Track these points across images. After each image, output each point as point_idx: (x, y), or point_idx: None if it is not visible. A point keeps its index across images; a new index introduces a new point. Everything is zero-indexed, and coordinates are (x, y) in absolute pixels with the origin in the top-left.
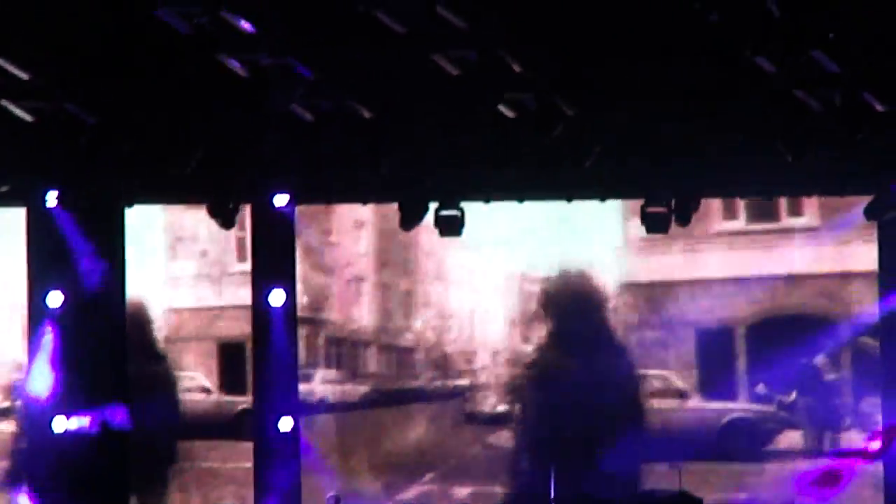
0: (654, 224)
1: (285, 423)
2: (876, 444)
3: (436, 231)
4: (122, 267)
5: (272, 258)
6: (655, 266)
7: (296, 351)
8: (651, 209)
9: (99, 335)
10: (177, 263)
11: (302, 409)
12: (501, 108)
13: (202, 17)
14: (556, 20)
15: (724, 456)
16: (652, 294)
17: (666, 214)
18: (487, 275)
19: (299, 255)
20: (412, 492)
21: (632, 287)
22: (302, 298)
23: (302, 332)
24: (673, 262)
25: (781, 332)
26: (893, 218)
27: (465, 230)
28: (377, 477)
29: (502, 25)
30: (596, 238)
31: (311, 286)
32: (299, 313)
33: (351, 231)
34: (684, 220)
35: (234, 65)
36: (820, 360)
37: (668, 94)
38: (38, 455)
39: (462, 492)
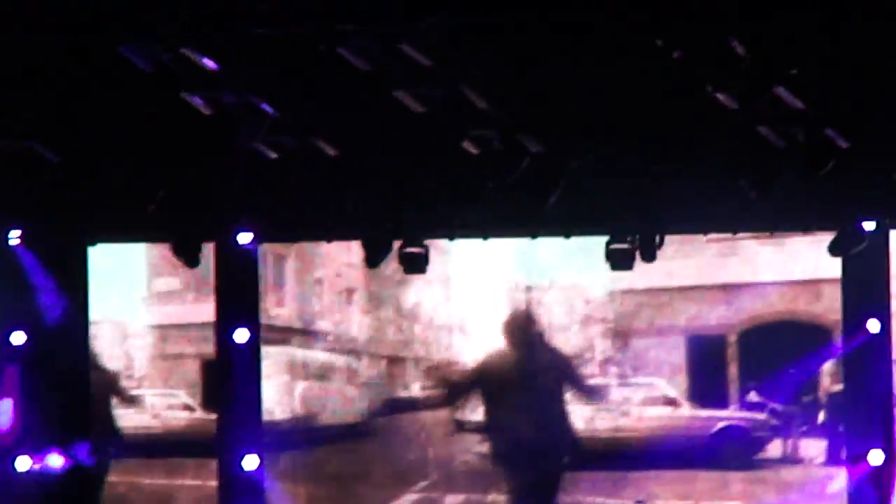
0: (619, 261)
1: (250, 462)
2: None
3: None
4: (86, 305)
5: (236, 296)
6: (646, 272)
7: (259, 388)
8: (615, 246)
9: (62, 373)
10: (161, 279)
11: (266, 446)
12: (465, 145)
13: (165, 55)
14: (520, 57)
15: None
16: (643, 301)
17: (630, 251)
18: (478, 284)
19: (290, 270)
20: (404, 501)
21: (624, 294)
22: (292, 310)
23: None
24: (665, 268)
25: (774, 339)
26: (858, 254)
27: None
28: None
29: (467, 62)
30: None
31: (302, 298)
32: (291, 325)
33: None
34: (649, 257)
35: (198, 102)
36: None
37: (632, 130)
38: (1, 496)
39: (454, 500)
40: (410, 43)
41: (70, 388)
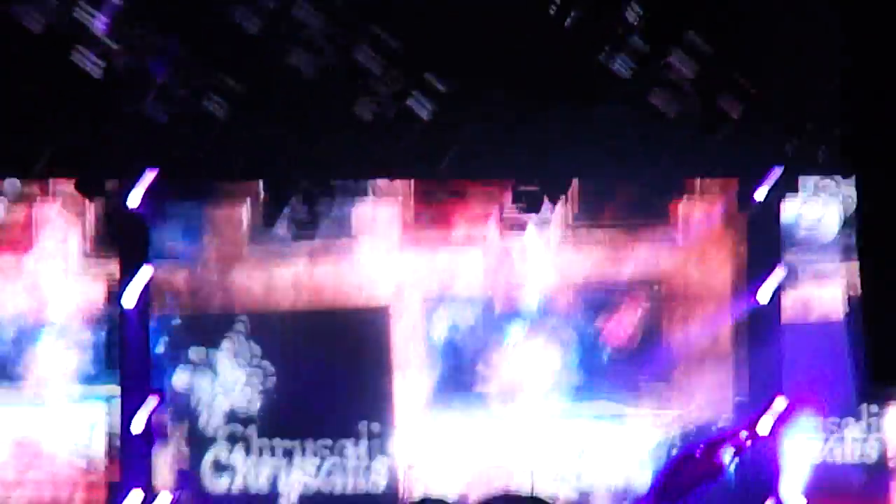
0: (527, 204)
1: (138, 424)
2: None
3: None
4: None
5: (125, 259)
6: None
7: (148, 349)
8: (523, 188)
9: None
10: None
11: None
12: (358, 110)
13: (54, 16)
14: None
15: None
16: None
17: (538, 193)
18: None
19: None
20: None
21: None
22: None
23: None
24: None
25: None
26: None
27: None
28: None
29: (363, 27)
30: None
31: None
32: None
33: None
34: (555, 199)
35: (88, 64)
36: None
37: (525, 97)
38: None
39: None
40: (304, 5)
41: None
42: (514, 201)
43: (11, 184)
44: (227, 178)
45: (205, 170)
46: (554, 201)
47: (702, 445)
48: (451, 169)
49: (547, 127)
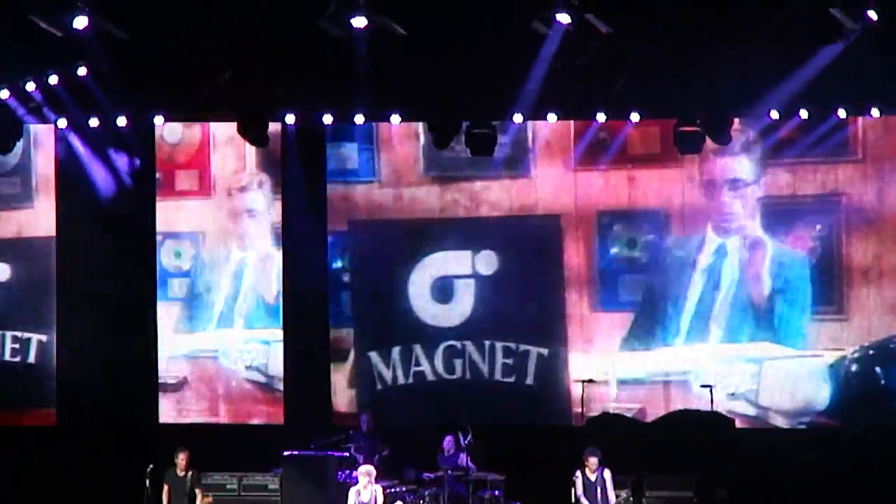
0: (687, 144)
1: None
2: None
3: None
4: (153, 180)
5: (302, 177)
6: None
7: (325, 270)
8: (683, 129)
9: (130, 249)
10: None
11: None
12: (535, 25)
13: None
14: None
15: None
16: None
17: (699, 133)
18: None
19: None
20: None
21: None
22: None
23: None
24: None
25: None
26: None
27: None
28: None
29: None
30: None
31: None
32: None
33: None
34: (722, 140)
35: None
36: None
37: (699, 14)
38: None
39: None
40: None
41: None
42: (675, 142)
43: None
44: (391, 120)
45: (370, 113)
46: (718, 141)
47: (881, 365)
48: (611, 110)
49: (706, 66)
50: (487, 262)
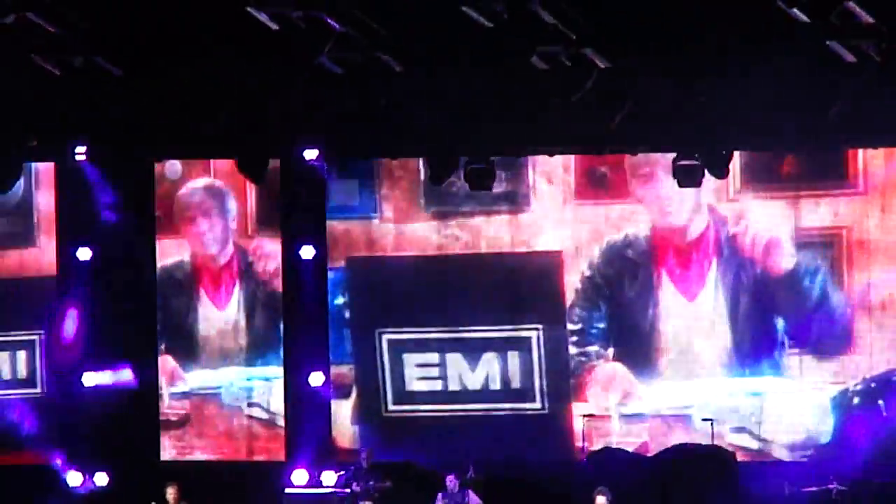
0: (686, 178)
1: (316, 378)
2: None
3: None
4: (152, 220)
5: (302, 213)
6: None
7: (325, 305)
8: (682, 163)
9: (129, 289)
10: None
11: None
12: (534, 61)
13: None
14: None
15: None
16: None
17: (698, 167)
18: None
19: None
20: None
21: None
22: None
23: None
24: None
25: None
26: None
27: None
28: None
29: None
30: None
31: None
32: None
33: None
34: (718, 173)
35: (264, 17)
36: None
37: (700, 46)
38: (68, 411)
39: None
40: None
41: (137, 301)
42: (674, 176)
43: (172, 165)
44: (389, 156)
45: (368, 149)
46: (717, 175)
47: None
48: (611, 144)
49: (707, 99)
50: None
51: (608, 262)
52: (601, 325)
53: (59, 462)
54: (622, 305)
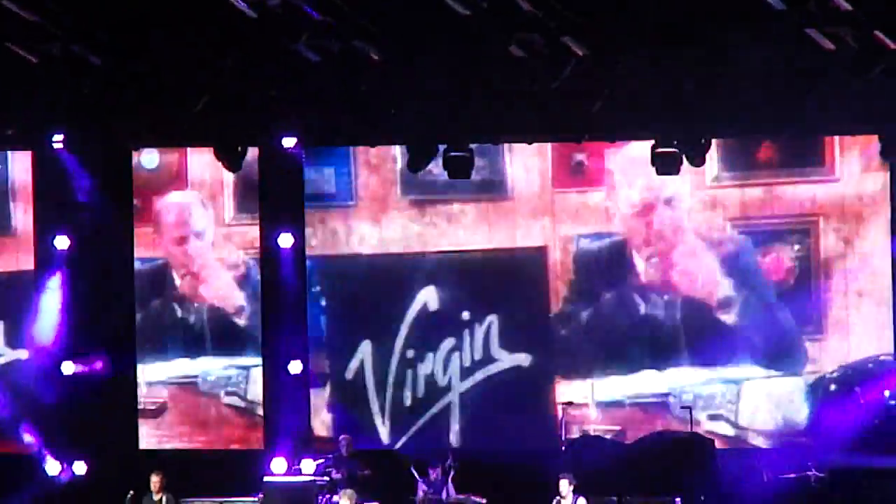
0: (665, 166)
1: (295, 366)
2: None
3: None
4: (130, 209)
5: (280, 201)
6: None
7: (304, 294)
8: (661, 150)
9: (107, 278)
10: None
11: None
12: (511, 49)
13: None
14: None
15: None
16: None
17: (676, 155)
18: None
19: None
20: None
21: None
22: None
23: None
24: None
25: None
26: None
27: None
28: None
29: None
30: None
31: None
32: None
33: None
34: (698, 161)
35: (242, 5)
36: None
37: (678, 33)
38: (45, 397)
39: None
40: None
41: (115, 293)
42: (652, 163)
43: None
44: (367, 143)
45: (346, 137)
46: (695, 163)
47: (860, 385)
48: (589, 132)
49: (685, 86)
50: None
51: (585, 251)
52: (582, 314)
53: (35, 447)
54: (599, 294)
